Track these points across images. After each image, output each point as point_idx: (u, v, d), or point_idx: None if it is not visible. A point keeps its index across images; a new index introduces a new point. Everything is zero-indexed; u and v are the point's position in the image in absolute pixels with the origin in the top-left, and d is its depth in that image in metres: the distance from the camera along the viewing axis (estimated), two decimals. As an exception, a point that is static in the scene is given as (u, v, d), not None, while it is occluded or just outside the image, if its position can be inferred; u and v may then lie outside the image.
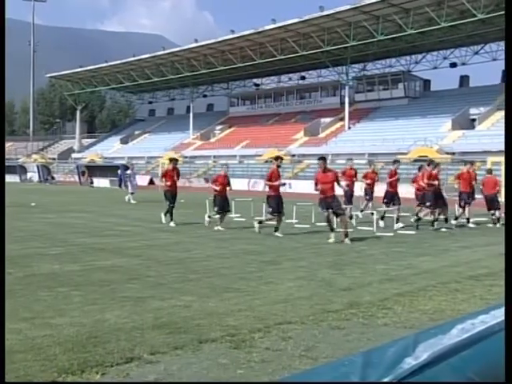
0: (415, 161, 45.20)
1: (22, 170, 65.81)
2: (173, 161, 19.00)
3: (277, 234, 14.87)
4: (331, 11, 49.23)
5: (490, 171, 19.64)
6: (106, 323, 5.83)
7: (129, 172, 32.16)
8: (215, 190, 16.70)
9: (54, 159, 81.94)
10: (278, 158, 16.75)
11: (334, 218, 14.07)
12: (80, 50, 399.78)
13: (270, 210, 15.44)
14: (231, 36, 58.42)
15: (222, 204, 16.64)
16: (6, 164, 70.44)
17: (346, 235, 13.41)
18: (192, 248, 12.09)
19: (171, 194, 17.62)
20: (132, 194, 29.17)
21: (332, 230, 13.76)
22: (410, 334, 1.51)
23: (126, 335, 5.40)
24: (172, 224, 16.89)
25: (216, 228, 15.95)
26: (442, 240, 14.13)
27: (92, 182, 55.29)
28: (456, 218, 17.88)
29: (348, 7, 48.11)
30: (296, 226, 17.00)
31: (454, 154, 45.51)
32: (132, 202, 28.27)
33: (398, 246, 12.84)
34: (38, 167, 65.26)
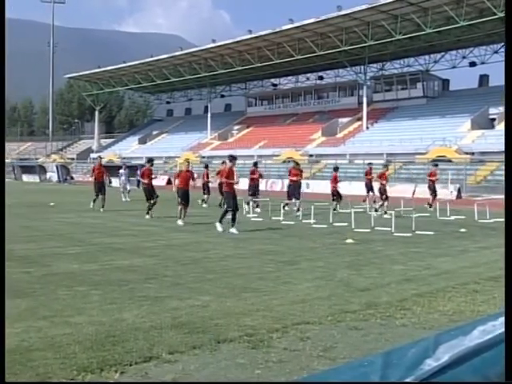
0: (433, 160, 44.99)
1: (41, 169, 66.36)
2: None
3: (179, 222, 17.09)
4: (349, 11, 49.08)
5: (336, 169, 23.23)
6: (124, 322, 5.86)
7: (121, 171, 32.20)
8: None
9: (72, 159, 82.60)
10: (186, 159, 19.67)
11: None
12: (98, 50, 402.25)
13: (180, 200, 17.51)
14: (249, 36, 58.45)
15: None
16: (26, 164, 71.27)
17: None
18: (209, 248, 12.11)
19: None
20: (123, 192, 30.00)
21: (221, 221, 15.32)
22: (430, 335, 1.50)
23: (145, 334, 5.43)
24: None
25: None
26: (461, 240, 14.01)
27: (110, 182, 55.57)
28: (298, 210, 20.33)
29: (366, 7, 47.92)
30: (314, 226, 16.97)
31: (473, 154, 45.14)
32: (127, 199, 29.05)
33: (416, 246, 12.75)
34: (57, 167, 65.75)
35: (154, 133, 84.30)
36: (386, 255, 11.31)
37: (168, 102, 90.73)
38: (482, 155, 43.28)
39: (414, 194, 20.44)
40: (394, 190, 37.31)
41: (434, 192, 23.79)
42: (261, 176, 24.86)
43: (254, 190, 23.13)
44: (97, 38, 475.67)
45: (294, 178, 22.25)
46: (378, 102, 62.51)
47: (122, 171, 32.22)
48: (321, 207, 19.49)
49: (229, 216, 15.26)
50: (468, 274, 9.11)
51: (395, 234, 14.88)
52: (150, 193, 19.49)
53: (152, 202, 19.28)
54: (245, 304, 6.78)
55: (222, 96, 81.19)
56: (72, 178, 64.31)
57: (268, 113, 74.32)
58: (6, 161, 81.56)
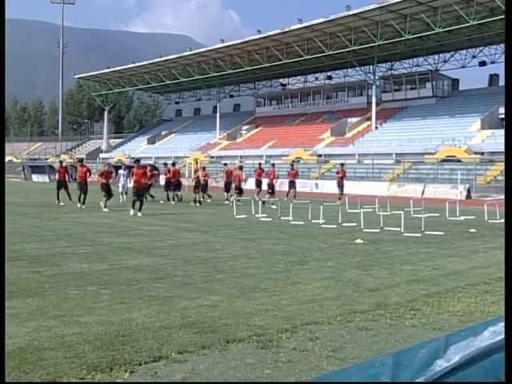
0: (443, 161, 44.81)
1: (50, 169, 66.57)
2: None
3: (105, 209, 21.98)
4: (358, 10, 49.02)
5: (241, 167, 28.66)
6: (133, 322, 5.88)
7: (121, 171, 29.85)
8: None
9: (82, 159, 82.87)
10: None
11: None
12: (107, 51, 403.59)
13: (105, 193, 22.64)
14: (257, 36, 58.48)
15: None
16: (36, 164, 71.58)
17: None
18: (219, 248, 12.11)
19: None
20: (121, 193, 27.88)
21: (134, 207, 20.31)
22: (441, 336, 1.49)
23: (154, 334, 5.44)
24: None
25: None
26: (471, 241, 13.96)
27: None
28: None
29: (375, 6, 47.85)
30: (323, 226, 16.94)
31: (482, 153, 44.95)
32: (124, 201, 26.77)
33: (426, 246, 12.71)
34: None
35: (163, 133, 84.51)
36: (395, 255, 11.28)
37: (177, 102, 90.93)
38: (492, 155, 43.06)
39: (423, 193, 20.35)
40: (403, 189, 37.24)
41: (341, 187, 28.73)
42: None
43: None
44: (106, 39, 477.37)
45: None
46: (387, 102, 62.38)
47: (121, 171, 29.92)
48: (330, 207, 19.45)
49: (137, 204, 20.27)
50: (478, 275, 9.06)
51: (405, 235, 14.84)
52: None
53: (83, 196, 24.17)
54: (254, 304, 6.79)
55: (231, 96, 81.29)
56: (81, 177, 64.43)
57: (277, 113, 74.33)
58: (16, 161, 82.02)
